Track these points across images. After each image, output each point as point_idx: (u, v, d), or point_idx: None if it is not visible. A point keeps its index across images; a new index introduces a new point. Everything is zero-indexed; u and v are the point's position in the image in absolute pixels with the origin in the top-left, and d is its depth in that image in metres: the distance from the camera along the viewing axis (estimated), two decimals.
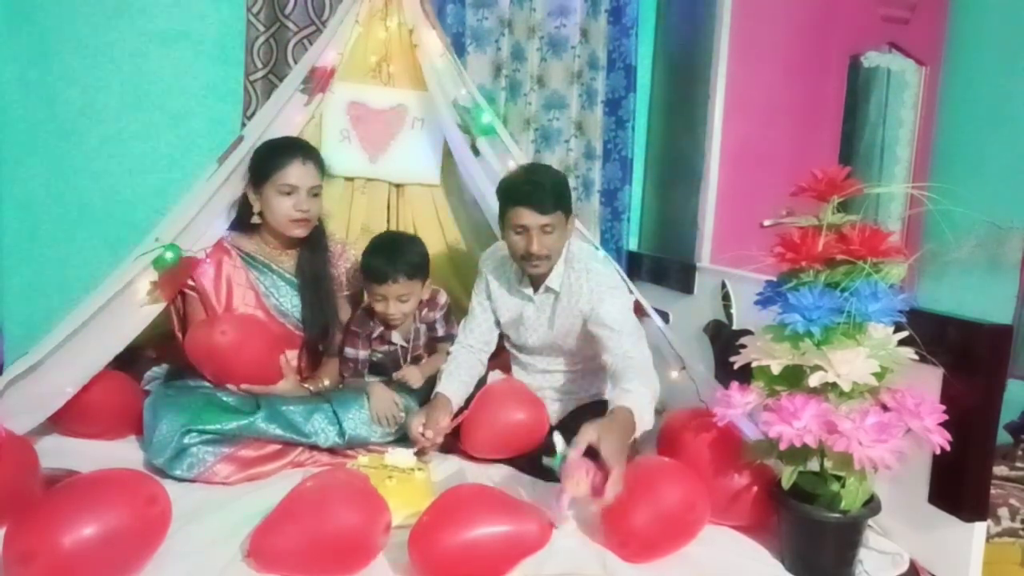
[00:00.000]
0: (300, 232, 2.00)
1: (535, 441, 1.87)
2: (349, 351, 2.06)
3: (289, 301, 2.06)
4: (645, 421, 1.59)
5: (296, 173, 1.94)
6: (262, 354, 1.95)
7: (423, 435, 1.80)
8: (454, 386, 1.93)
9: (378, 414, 1.90)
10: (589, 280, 1.89)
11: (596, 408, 1.92)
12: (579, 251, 1.96)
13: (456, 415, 1.88)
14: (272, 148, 1.99)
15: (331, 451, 1.88)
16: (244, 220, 2.04)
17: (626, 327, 1.81)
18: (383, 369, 2.14)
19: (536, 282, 1.96)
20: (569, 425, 1.87)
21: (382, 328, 2.06)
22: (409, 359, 2.13)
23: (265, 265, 2.06)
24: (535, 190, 1.78)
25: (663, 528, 1.45)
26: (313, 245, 2.07)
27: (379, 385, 1.98)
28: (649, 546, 1.46)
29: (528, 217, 1.78)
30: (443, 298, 2.15)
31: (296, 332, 2.06)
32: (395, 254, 1.96)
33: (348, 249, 2.19)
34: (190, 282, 1.99)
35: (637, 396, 1.60)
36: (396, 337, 2.09)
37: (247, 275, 2.03)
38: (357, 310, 2.10)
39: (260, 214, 1.99)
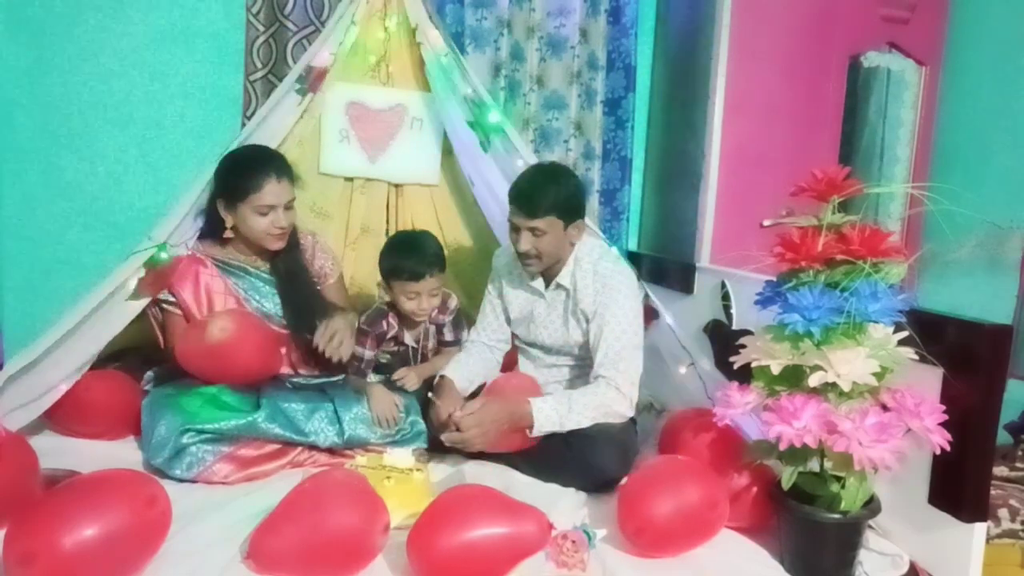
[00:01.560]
0: (278, 245, 2.00)
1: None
2: (356, 349, 2.04)
3: (271, 302, 2.05)
4: (542, 425, 1.74)
5: (272, 193, 1.92)
6: (261, 347, 1.92)
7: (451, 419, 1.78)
8: (460, 372, 1.95)
9: (379, 415, 1.90)
10: (595, 281, 1.90)
11: None
12: (589, 250, 1.96)
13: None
14: (243, 166, 1.94)
15: (330, 451, 1.88)
16: (215, 231, 2.01)
17: (622, 350, 1.83)
18: (389, 371, 2.13)
19: (547, 279, 1.98)
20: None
21: (396, 328, 2.06)
22: (419, 360, 2.14)
23: (241, 269, 2.05)
24: (521, 194, 1.83)
25: (683, 522, 1.45)
26: (286, 244, 2.04)
27: (379, 386, 1.98)
28: (665, 538, 1.45)
29: (517, 218, 1.84)
30: (453, 302, 2.15)
31: (283, 332, 2.05)
32: (423, 251, 2.00)
33: (318, 238, 2.17)
34: (171, 297, 1.97)
35: (554, 407, 1.75)
36: (408, 338, 2.10)
37: (225, 282, 2.02)
38: (369, 309, 2.08)
39: (233, 228, 1.97)
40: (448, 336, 2.16)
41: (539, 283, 1.99)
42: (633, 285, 1.95)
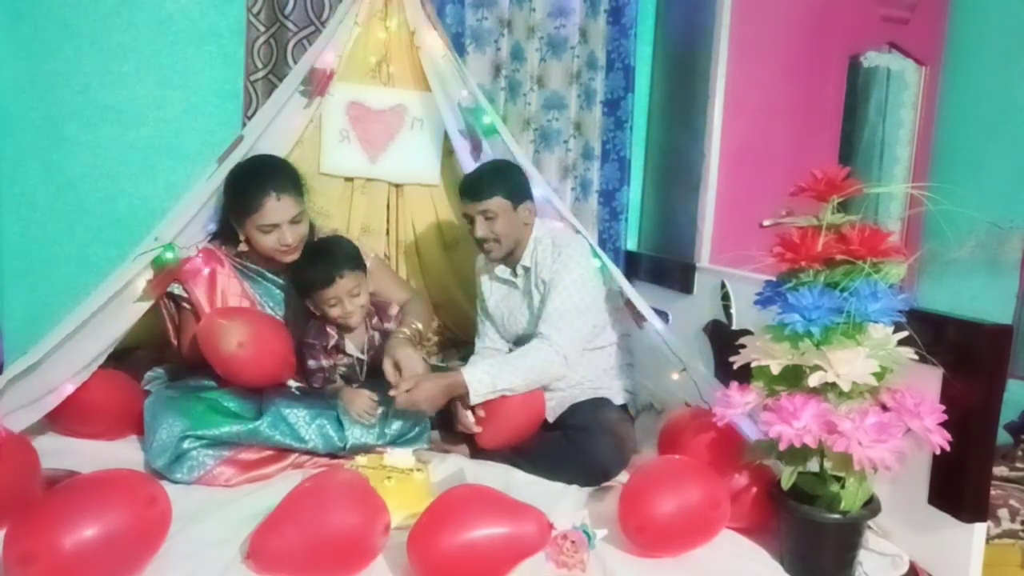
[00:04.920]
0: (290, 258, 1.96)
1: (535, 423, 1.90)
2: (312, 363, 2.01)
3: (284, 309, 2.04)
4: (477, 390, 1.81)
5: (273, 212, 1.88)
6: (277, 363, 1.90)
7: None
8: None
9: (356, 412, 1.87)
10: (552, 252, 1.97)
11: (595, 404, 1.93)
12: (550, 229, 2.04)
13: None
14: (243, 184, 1.91)
15: (331, 455, 1.86)
16: (230, 239, 2.00)
17: (565, 312, 1.89)
18: (347, 383, 2.06)
19: (512, 265, 2.05)
20: (568, 421, 1.88)
21: (337, 338, 2.01)
22: (366, 371, 2.08)
23: (258, 273, 2.04)
24: (466, 183, 1.97)
25: (685, 521, 1.45)
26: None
27: (347, 388, 1.95)
28: (666, 536, 1.45)
29: (467, 206, 1.95)
30: (394, 309, 2.09)
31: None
32: (328, 254, 1.94)
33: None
34: (184, 293, 1.96)
35: (486, 370, 1.82)
36: (351, 348, 2.04)
37: (242, 286, 2.02)
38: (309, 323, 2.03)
39: (246, 241, 1.96)
40: None
41: (504, 271, 2.05)
42: (587, 256, 1.99)
